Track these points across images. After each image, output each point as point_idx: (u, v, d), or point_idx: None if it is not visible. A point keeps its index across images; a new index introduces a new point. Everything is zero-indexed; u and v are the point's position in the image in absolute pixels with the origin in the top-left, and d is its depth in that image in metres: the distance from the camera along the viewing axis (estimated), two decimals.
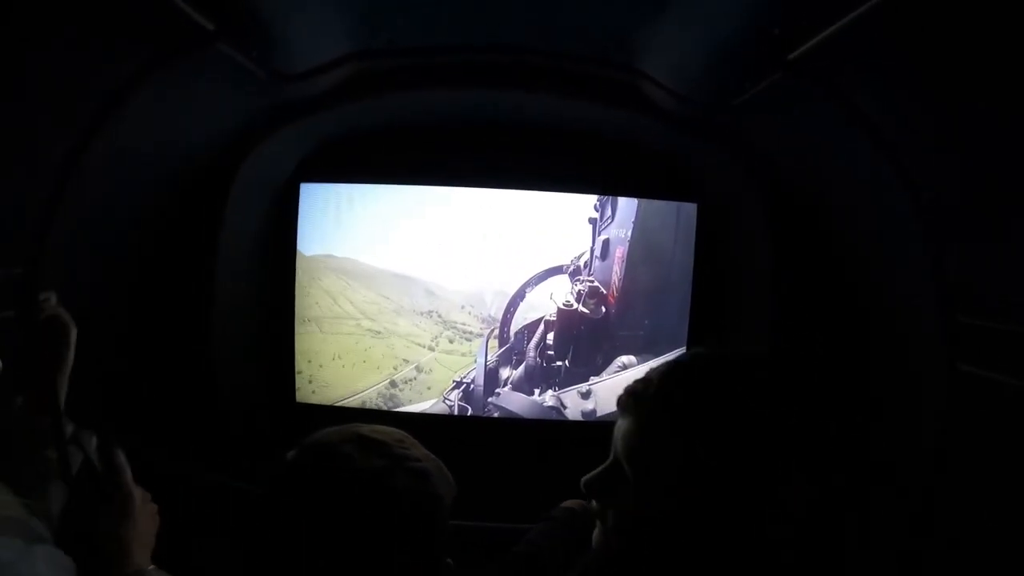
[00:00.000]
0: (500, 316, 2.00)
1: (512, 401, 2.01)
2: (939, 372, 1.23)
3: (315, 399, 1.98)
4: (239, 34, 1.17)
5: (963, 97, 0.98)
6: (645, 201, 1.94)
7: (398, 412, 1.99)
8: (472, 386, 2.00)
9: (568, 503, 1.29)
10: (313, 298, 1.97)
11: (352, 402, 1.98)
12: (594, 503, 0.82)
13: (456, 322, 1.99)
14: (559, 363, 2.00)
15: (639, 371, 1.92)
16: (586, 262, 1.97)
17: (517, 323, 2.01)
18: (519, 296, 1.99)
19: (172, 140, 1.48)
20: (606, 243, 1.96)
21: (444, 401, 2.00)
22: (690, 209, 1.93)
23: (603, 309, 1.98)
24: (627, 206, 1.94)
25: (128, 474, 0.89)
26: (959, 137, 1.04)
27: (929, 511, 1.28)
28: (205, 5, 1.05)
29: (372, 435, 0.80)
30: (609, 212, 1.95)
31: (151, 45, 1.13)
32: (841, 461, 1.35)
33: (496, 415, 2.00)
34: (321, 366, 1.98)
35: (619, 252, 1.96)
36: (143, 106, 1.24)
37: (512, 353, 2.01)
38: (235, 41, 1.18)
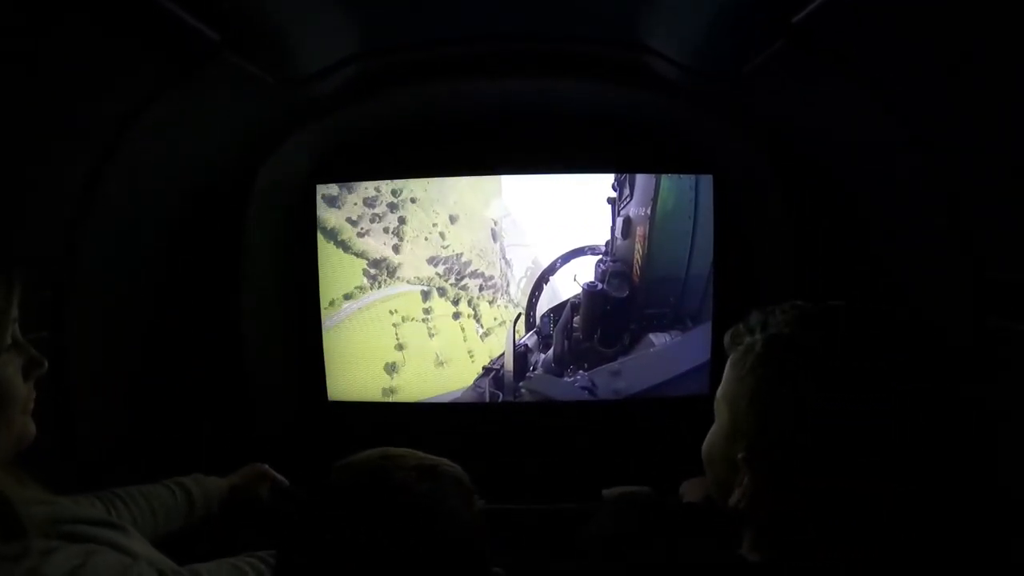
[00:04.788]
0: (526, 301, 2.01)
1: (543, 384, 2.02)
2: (967, 328, 1.21)
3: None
4: (245, 42, 1.18)
5: (973, 52, 0.95)
6: (663, 178, 1.93)
7: (430, 402, 2.01)
8: (502, 371, 2.02)
9: (622, 490, 1.30)
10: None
11: (384, 397, 2.01)
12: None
13: (481, 309, 2.01)
14: (587, 344, 2.01)
15: (667, 348, 1.94)
16: (607, 242, 1.97)
17: (543, 307, 2.01)
18: (543, 280, 2.00)
19: (188, 152, 1.51)
20: (626, 222, 1.95)
21: (475, 388, 2.02)
22: (707, 182, 1.91)
23: (627, 288, 1.97)
24: (645, 184, 1.93)
25: None
26: (971, 92, 1.01)
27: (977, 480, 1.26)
28: (209, 16, 1.06)
29: (412, 457, 0.80)
30: (627, 191, 1.94)
31: (160, 60, 1.15)
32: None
33: (528, 399, 2.02)
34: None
35: (640, 231, 1.95)
36: (157, 122, 1.27)
37: (540, 337, 2.02)
38: (241, 49, 1.20)
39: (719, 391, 0.81)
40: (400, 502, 0.73)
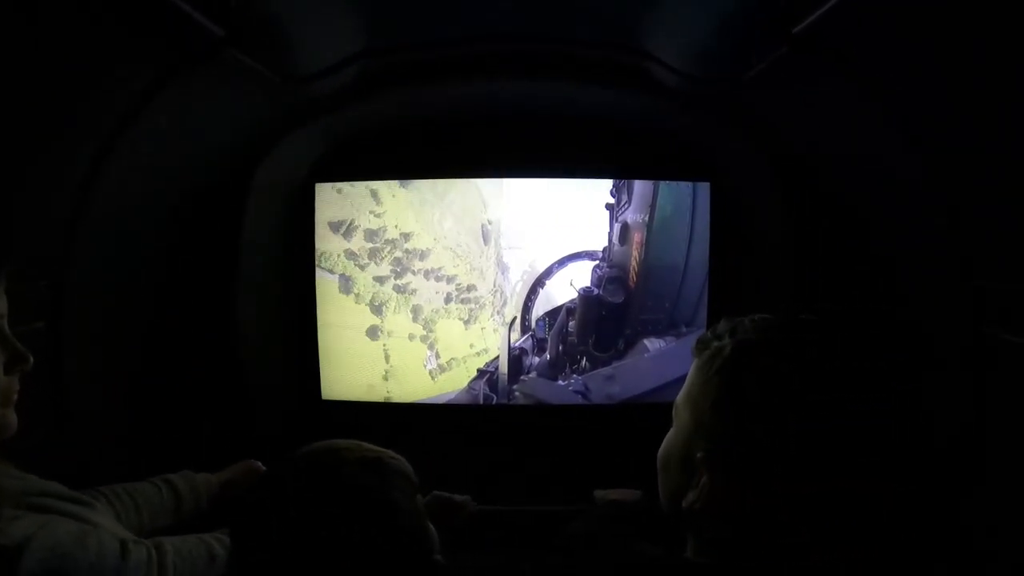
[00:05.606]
0: (521, 304, 2.01)
1: (537, 387, 2.02)
2: (963, 337, 1.22)
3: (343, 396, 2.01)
4: (249, 38, 1.18)
5: (972, 60, 0.96)
6: (661, 184, 1.94)
7: (424, 404, 2.01)
8: (496, 374, 2.02)
9: (612, 494, 1.30)
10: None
11: (378, 397, 2.01)
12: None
13: (477, 312, 2.01)
14: (581, 348, 2.01)
15: (661, 353, 1.95)
16: (605, 248, 1.97)
17: (538, 310, 2.02)
18: (539, 284, 2.00)
19: (188, 148, 1.50)
20: (624, 228, 1.96)
21: (469, 390, 2.02)
22: (704, 189, 1.93)
23: (623, 294, 1.98)
24: (643, 191, 1.94)
25: None
26: (969, 100, 1.03)
27: (965, 482, 1.28)
28: (214, 11, 1.06)
29: (358, 449, 0.84)
30: (625, 197, 1.95)
31: (163, 54, 1.15)
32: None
33: (521, 402, 2.02)
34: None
35: (637, 237, 1.96)
36: (158, 116, 1.27)
37: (534, 340, 2.03)
38: (245, 46, 1.20)
39: (680, 395, 0.82)
40: (342, 492, 0.78)
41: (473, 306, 2.01)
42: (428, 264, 1.99)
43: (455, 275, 2.00)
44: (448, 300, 2.00)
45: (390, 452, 0.87)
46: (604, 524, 1.14)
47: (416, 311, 2.00)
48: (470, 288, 2.00)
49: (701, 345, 0.82)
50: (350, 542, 0.75)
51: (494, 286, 2.00)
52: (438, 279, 2.00)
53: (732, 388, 0.74)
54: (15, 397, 0.90)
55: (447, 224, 1.98)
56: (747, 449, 0.72)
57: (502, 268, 2.00)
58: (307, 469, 0.81)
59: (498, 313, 2.01)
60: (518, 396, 2.02)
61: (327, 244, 1.96)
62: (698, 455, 0.75)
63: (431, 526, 0.88)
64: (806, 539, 0.73)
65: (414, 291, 1.99)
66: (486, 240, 1.99)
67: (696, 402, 0.78)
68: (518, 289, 2.01)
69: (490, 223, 1.98)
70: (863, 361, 0.75)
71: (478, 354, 2.02)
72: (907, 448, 1.30)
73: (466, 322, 2.01)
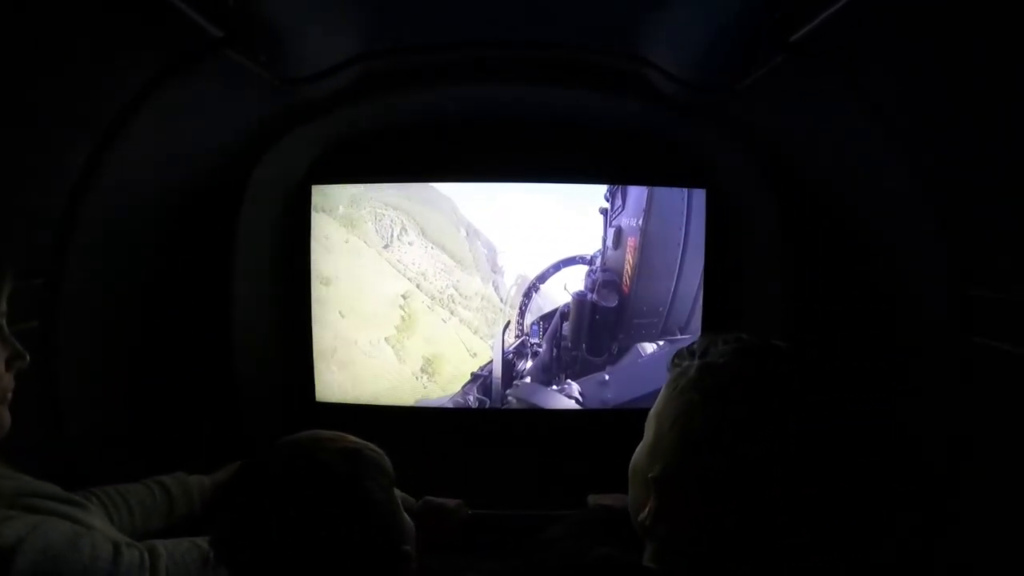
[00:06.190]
0: (515, 308, 2.01)
1: (530, 392, 2.02)
2: (952, 345, 1.23)
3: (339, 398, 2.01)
4: (247, 40, 1.18)
5: (967, 71, 0.97)
6: (656, 189, 1.94)
7: (417, 407, 2.01)
8: (490, 379, 2.02)
9: (605, 499, 1.30)
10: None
11: (372, 400, 2.01)
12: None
13: (471, 316, 2.01)
14: (575, 353, 2.01)
15: (655, 358, 1.95)
16: (599, 252, 1.98)
17: (532, 314, 2.02)
18: (533, 288, 2.00)
19: (185, 146, 1.50)
20: (618, 232, 1.97)
21: (463, 394, 2.02)
22: (700, 196, 1.93)
23: (616, 298, 1.99)
24: (638, 195, 1.94)
25: None
26: (964, 111, 1.04)
27: (947, 490, 1.29)
28: (213, 12, 1.06)
29: (340, 440, 0.89)
30: (620, 202, 1.96)
31: (161, 54, 1.15)
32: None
33: (515, 406, 2.02)
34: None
35: (631, 241, 1.97)
36: (155, 115, 1.26)
37: (528, 344, 2.03)
38: (243, 47, 1.20)
39: (652, 408, 0.82)
40: (316, 476, 0.82)
41: (467, 310, 2.01)
42: (423, 267, 2.00)
43: (449, 278, 2.00)
44: (442, 304, 2.00)
45: (371, 445, 0.91)
46: (575, 527, 1.15)
47: (411, 314, 2.00)
48: (464, 291, 2.00)
49: (675, 360, 0.82)
50: (320, 524, 0.80)
51: (488, 290, 2.00)
52: (432, 282, 2.00)
53: (689, 412, 0.74)
54: (10, 396, 0.91)
55: (443, 226, 1.98)
56: (694, 478, 0.73)
57: (497, 272, 2.00)
58: (287, 453, 0.85)
59: (492, 316, 2.01)
60: (512, 400, 2.02)
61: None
62: (649, 475, 0.76)
63: (407, 519, 0.93)
64: (751, 559, 0.73)
65: (408, 295, 2.00)
66: (481, 244, 1.99)
67: (659, 419, 0.79)
68: (512, 293, 2.01)
69: (485, 227, 1.97)
70: (827, 393, 0.74)
71: (473, 356, 2.02)
72: (871, 471, 1.32)
73: (458, 324, 2.01)
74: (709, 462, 0.72)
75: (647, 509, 0.77)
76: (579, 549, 1.02)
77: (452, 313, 2.00)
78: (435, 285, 2.00)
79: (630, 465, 0.84)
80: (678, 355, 0.82)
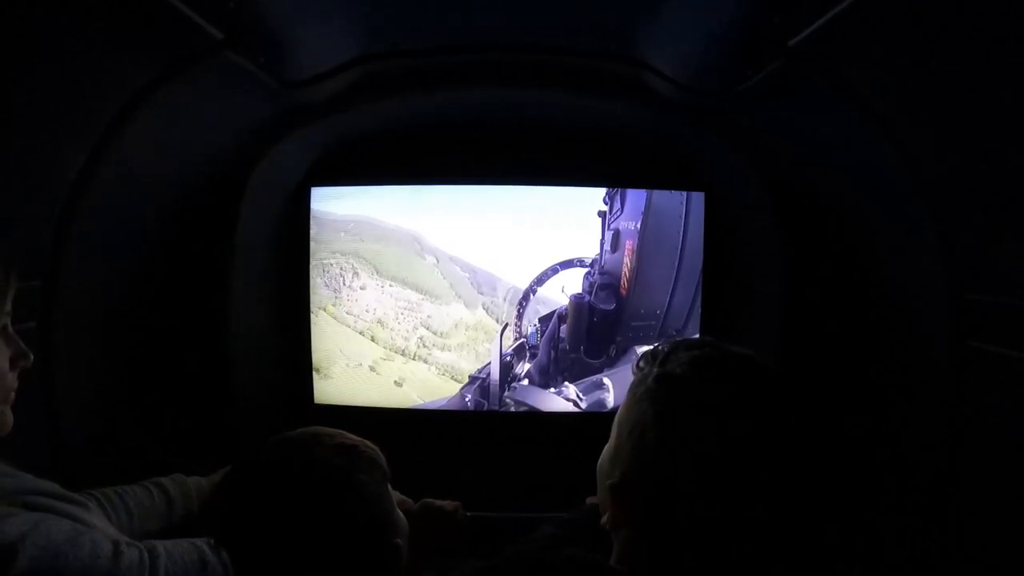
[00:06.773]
0: (513, 311, 2.01)
1: (528, 394, 2.02)
2: (949, 350, 1.24)
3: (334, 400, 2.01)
4: (247, 42, 1.19)
5: (964, 77, 0.98)
6: (654, 193, 1.95)
7: (416, 409, 2.01)
8: (488, 381, 2.02)
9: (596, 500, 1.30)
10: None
11: (369, 402, 2.01)
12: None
13: (450, 358, 2.01)
14: (573, 355, 2.01)
15: None
16: (597, 255, 1.98)
17: (530, 317, 2.02)
18: (531, 290, 2.01)
19: (184, 148, 1.50)
20: (616, 235, 1.97)
21: (461, 397, 2.02)
22: (698, 199, 1.94)
23: (614, 301, 1.99)
24: (636, 198, 1.95)
25: None
26: (961, 116, 1.04)
27: (943, 494, 1.29)
28: (213, 14, 1.07)
29: (338, 436, 0.93)
30: (618, 205, 1.96)
31: (161, 55, 1.15)
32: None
33: (512, 409, 2.02)
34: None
35: (629, 244, 1.97)
36: (155, 116, 1.26)
37: (526, 347, 2.03)
38: (243, 49, 1.20)
39: (619, 410, 0.80)
40: (313, 472, 0.86)
41: (445, 350, 2.01)
42: (380, 312, 2.00)
43: (417, 316, 2.01)
44: (407, 354, 2.01)
45: (367, 442, 0.95)
46: (563, 528, 1.15)
47: (408, 315, 2.00)
48: (438, 328, 2.01)
49: (639, 364, 0.80)
50: (313, 515, 0.83)
51: (478, 314, 2.01)
52: (394, 328, 2.01)
53: (645, 423, 0.73)
54: (13, 395, 0.92)
55: (402, 259, 1.98)
56: (652, 488, 0.72)
57: (485, 293, 2.00)
58: (286, 447, 0.90)
59: (486, 347, 2.01)
60: (509, 403, 2.02)
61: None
62: (608, 482, 0.75)
63: (400, 515, 0.97)
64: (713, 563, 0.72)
65: (406, 296, 2.00)
66: (459, 268, 1.99)
67: (620, 426, 0.77)
68: (510, 296, 2.01)
69: (481, 229, 1.97)
70: (802, 403, 0.72)
71: (469, 357, 2.02)
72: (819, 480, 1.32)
73: (454, 327, 2.01)
74: (662, 477, 0.70)
75: (607, 515, 0.76)
76: (546, 549, 1.03)
77: (426, 362, 2.00)
78: (398, 331, 1.99)
79: (597, 465, 0.83)
80: (643, 358, 0.80)
